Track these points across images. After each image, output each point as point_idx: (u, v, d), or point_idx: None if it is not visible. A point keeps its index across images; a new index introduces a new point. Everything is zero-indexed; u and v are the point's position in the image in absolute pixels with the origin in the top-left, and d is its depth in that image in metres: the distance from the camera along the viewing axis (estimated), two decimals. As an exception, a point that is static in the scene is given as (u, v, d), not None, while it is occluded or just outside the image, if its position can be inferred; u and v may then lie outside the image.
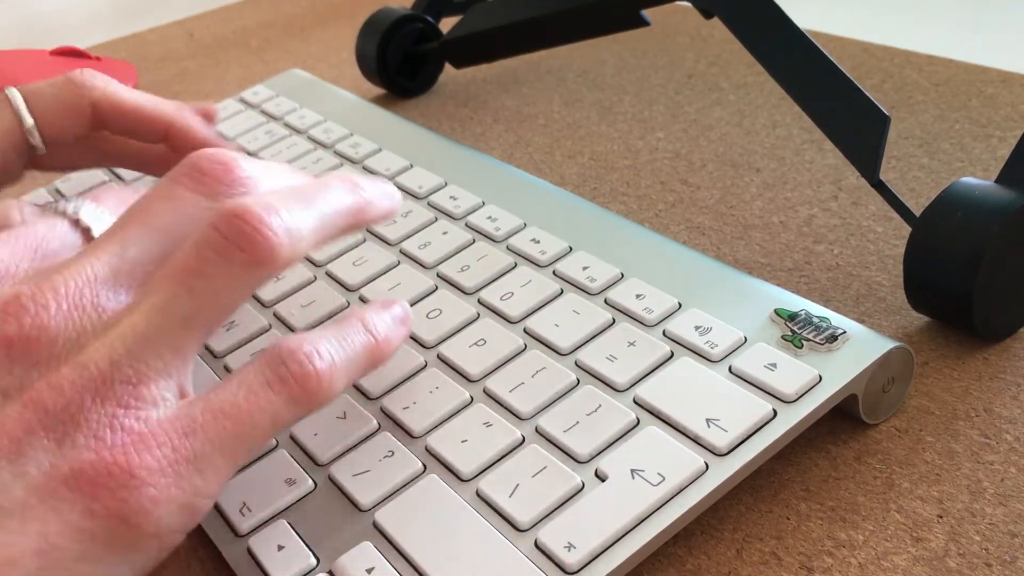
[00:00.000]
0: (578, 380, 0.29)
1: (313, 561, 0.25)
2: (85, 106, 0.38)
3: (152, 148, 0.42)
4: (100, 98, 0.38)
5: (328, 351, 0.24)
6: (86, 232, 0.27)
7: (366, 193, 0.27)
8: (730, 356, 0.28)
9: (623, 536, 0.24)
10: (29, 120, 0.37)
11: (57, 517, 0.21)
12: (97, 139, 0.41)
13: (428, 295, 0.34)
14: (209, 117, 0.44)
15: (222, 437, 0.23)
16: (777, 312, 0.29)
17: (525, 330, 0.31)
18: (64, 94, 0.38)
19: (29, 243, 0.25)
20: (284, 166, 0.28)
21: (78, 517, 0.21)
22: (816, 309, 0.29)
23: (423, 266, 0.35)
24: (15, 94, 0.38)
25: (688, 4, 0.49)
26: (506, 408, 0.28)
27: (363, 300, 0.34)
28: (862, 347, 0.27)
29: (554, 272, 0.33)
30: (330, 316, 0.34)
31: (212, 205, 0.25)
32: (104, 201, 0.28)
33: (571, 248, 0.34)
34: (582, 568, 0.23)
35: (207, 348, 0.34)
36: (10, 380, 0.22)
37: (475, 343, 0.31)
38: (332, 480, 0.27)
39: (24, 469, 0.21)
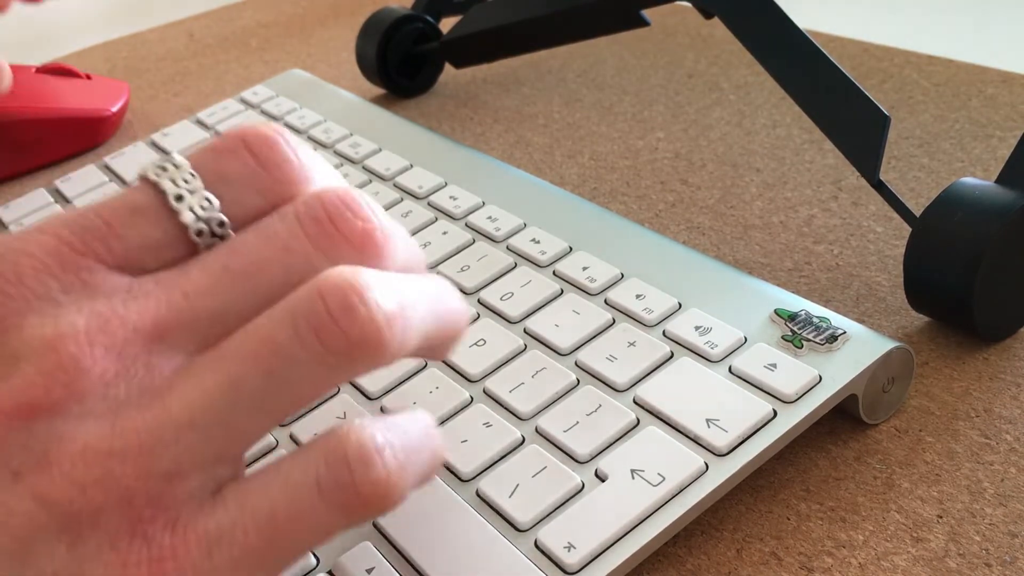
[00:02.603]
0: (578, 380, 0.29)
1: (313, 561, 0.25)
2: None
3: None
4: None
5: (400, 449, 0.19)
6: (184, 231, 0.20)
7: (463, 306, 0.23)
8: (730, 356, 0.28)
9: (623, 536, 0.24)
10: None
11: None
12: None
13: (428, 295, 0.34)
14: None
15: (248, 556, 0.18)
16: (777, 312, 0.29)
17: (525, 330, 0.31)
18: None
19: (95, 242, 0.19)
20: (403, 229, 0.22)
21: None
22: (816, 309, 0.29)
23: (423, 266, 0.35)
24: None
25: (688, 4, 0.49)
26: (506, 408, 0.28)
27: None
28: (862, 347, 0.27)
29: (554, 272, 0.33)
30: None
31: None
32: (229, 176, 0.21)
33: (571, 248, 0.34)
34: (582, 568, 0.23)
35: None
36: (23, 458, 0.18)
37: (475, 343, 0.31)
38: (332, 480, 0.27)
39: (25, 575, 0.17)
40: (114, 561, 0.18)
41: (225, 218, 0.20)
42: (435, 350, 0.22)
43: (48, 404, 0.18)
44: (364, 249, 0.20)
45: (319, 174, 0.22)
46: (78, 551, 0.18)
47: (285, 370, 0.18)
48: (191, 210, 0.20)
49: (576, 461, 0.26)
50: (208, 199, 0.20)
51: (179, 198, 0.20)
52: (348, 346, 0.18)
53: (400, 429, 0.20)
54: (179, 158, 0.21)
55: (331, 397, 0.30)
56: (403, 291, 0.20)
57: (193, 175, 0.20)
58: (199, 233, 0.20)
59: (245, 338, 0.19)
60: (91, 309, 0.19)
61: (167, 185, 0.20)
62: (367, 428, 0.19)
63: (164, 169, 0.20)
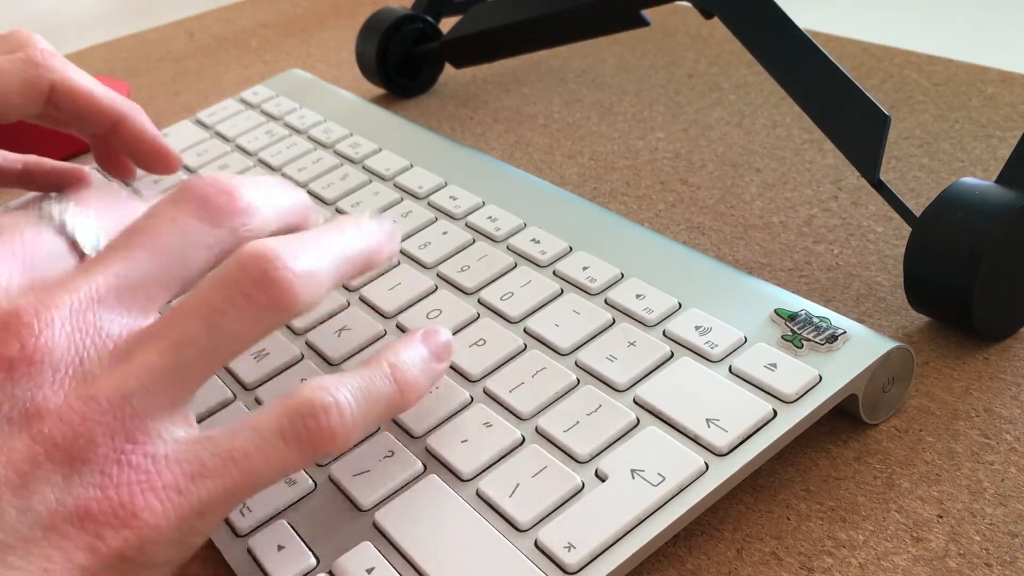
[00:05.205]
0: (578, 380, 0.29)
1: (313, 561, 0.25)
2: (44, 86, 0.37)
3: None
4: (59, 80, 0.37)
5: (348, 403, 0.24)
6: (72, 241, 0.26)
7: (373, 238, 0.27)
8: (730, 356, 0.28)
9: (623, 536, 0.24)
10: None
11: (60, 554, 0.20)
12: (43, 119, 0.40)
13: (428, 295, 0.34)
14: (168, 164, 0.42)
15: (227, 485, 0.22)
16: (777, 312, 0.29)
17: (525, 330, 0.31)
18: (24, 72, 0.36)
19: (17, 251, 0.24)
20: (278, 184, 0.28)
21: (82, 554, 0.21)
22: (816, 309, 0.29)
23: (423, 266, 0.35)
24: None
25: (688, 4, 0.49)
26: (506, 408, 0.28)
27: (362, 300, 0.34)
28: (862, 347, 0.27)
29: (554, 272, 0.33)
30: (331, 316, 0.34)
31: (219, 234, 0.25)
32: (89, 205, 0.27)
33: (571, 248, 0.34)
34: (582, 568, 0.23)
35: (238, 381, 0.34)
36: (11, 404, 0.21)
37: (475, 343, 0.31)
38: (332, 480, 0.27)
39: (29, 504, 0.20)
40: (108, 484, 0.21)
41: (102, 233, 0.26)
42: (352, 277, 0.27)
43: (23, 357, 0.21)
44: (234, 214, 0.25)
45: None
46: (73, 480, 0.21)
47: (224, 326, 0.23)
48: (75, 226, 0.26)
49: (576, 461, 0.26)
50: (84, 213, 0.26)
51: (62, 217, 0.26)
52: (269, 302, 0.23)
53: (354, 387, 0.24)
54: (49, 202, 0.27)
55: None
56: (308, 253, 0.24)
57: (63, 202, 0.26)
58: (82, 242, 0.26)
59: (186, 305, 0.23)
60: (36, 291, 0.23)
61: (50, 210, 0.26)
62: (314, 388, 0.24)
63: (40, 207, 0.26)
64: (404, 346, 0.26)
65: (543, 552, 0.24)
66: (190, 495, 0.22)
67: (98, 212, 0.27)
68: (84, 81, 0.38)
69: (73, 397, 0.21)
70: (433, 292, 0.34)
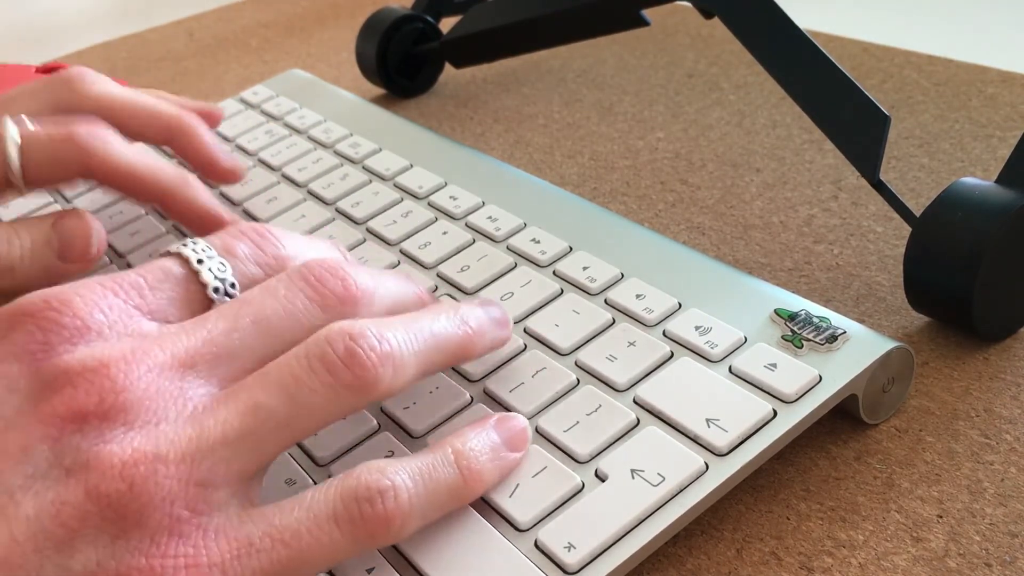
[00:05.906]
0: (578, 380, 0.29)
1: (313, 561, 0.25)
2: (79, 165, 0.35)
3: None
4: (97, 164, 0.35)
5: (407, 487, 0.23)
6: (203, 289, 0.25)
7: (473, 327, 0.27)
8: (730, 356, 0.28)
9: (623, 536, 0.24)
10: (16, 166, 0.34)
11: None
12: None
13: (428, 295, 0.34)
14: (213, 120, 0.43)
15: (273, 567, 0.21)
16: (777, 312, 0.29)
17: (525, 330, 0.31)
18: (62, 151, 0.34)
19: (132, 292, 0.24)
20: (394, 275, 0.28)
21: None
22: (816, 309, 0.29)
23: (423, 266, 0.35)
24: (11, 135, 0.33)
25: (688, 4, 0.49)
26: (506, 408, 0.28)
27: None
28: (862, 347, 0.27)
29: (554, 272, 0.33)
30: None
31: (325, 318, 0.25)
32: (234, 251, 0.26)
33: (571, 248, 0.34)
34: (582, 568, 0.23)
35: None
36: (74, 457, 0.21)
37: (475, 343, 0.31)
38: (332, 480, 0.27)
39: (69, 563, 0.20)
40: (154, 554, 0.20)
41: (235, 280, 0.26)
42: (444, 367, 0.26)
43: (99, 412, 0.21)
44: (345, 302, 0.25)
45: (304, 253, 0.27)
46: (120, 544, 0.20)
47: (302, 398, 0.22)
48: (210, 271, 0.25)
49: (576, 461, 0.26)
50: (223, 263, 0.26)
51: (199, 261, 0.25)
52: (352, 380, 0.23)
53: (416, 472, 0.23)
54: (197, 238, 0.26)
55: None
56: (396, 335, 0.24)
57: (209, 247, 0.26)
58: (216, 290, 0.25)
59: (269, 373, 0.23)
60: (132, 342, 0.23)
61: (189, 253, 0.25)
62: (373, 471, 0.23)
63: (185, 245, 0.26)
64: (473, 432, 0.25)
65: (543, 552, 0.24)
66: (233, 574, 0.21)
67: (247, 257, 0.26)
68: (125, 158, 0.35)
69: (140, 456, 0.21)
70: (433, 292, 0.34)
